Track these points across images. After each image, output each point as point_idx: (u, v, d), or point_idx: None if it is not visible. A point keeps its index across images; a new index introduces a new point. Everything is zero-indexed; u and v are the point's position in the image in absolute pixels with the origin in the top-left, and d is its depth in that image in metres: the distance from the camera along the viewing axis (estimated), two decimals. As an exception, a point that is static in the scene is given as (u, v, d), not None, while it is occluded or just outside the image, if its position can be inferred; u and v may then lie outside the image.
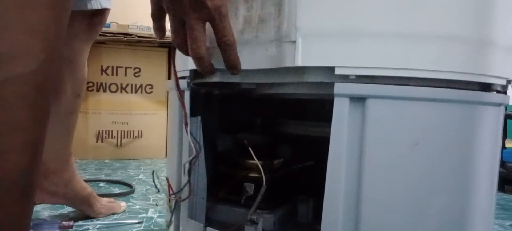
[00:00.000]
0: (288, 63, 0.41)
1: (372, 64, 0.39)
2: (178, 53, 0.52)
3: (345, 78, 0.40)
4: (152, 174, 1.06)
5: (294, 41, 0.40)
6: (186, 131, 0.48)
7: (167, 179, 0.54)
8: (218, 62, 0.45)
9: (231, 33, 0.42)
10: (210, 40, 0.44)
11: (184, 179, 0.50)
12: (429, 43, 0.39)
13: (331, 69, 0.40)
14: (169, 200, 0.53)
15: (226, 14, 0.41)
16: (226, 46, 0.42)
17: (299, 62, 0.40)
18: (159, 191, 1.02)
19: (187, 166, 0.49)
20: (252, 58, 0.44)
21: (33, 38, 0.35)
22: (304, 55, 0.40)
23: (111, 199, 0.97)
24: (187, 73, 0.51)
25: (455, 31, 0.40)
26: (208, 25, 0.42)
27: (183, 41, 0.43)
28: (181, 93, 0.50)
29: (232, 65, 0.44)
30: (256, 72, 0.45)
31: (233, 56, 0.43)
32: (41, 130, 0.38)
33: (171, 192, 0.52)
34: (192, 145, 0.48)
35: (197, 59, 0.43)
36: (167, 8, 0.42)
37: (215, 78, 0.48)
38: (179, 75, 0.52)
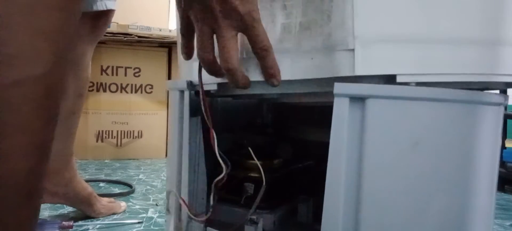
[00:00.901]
0: (344, 73, 0.39)
1: (431, 71, 0.38)
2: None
3: (404, 84, 0.39)
4: (167, 195, 1.06)
5: (351, 50, 0.39)
6: (214, 147, 0.45)
7: (183, 199, 0.50)
8: (252, 74, 0.43)
9: (267, 38, 0.40)
10: (241, 51, 0.42)
11: (212, 200, 0.47)
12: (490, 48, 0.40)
13: (392, 77, 0.39)
14: (182, 218, 0.51)
15: (259, 18, 0.39)
16: (262, 51, 0.40)
17: (359, 71, 0.38)
18: (157, 205, 1.02)
19: (216, 184, 0.46)
20: (294, 68, 0.42)
21: (42, 40, 0.35)
22: (364, 63, 0.38)
23: (111, 199, 0.97)
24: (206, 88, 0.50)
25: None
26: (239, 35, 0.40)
27: (211, 55, 0.41)
28: (207, 106, 0.46)
29: (272, 74, 0.41)
30: (293, 82, 0.42)
31: (271, 63, 0.41)
32: (49, 132, 0.38)
33: (191, 213, 0.49)
34: (222, 163, 0.45)
35: (230, 71, 0.40)
36: (195, 19, 0.40)
37: (251, 91, 0.45)
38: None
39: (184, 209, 0.49)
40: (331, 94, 0.43)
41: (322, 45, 0.40)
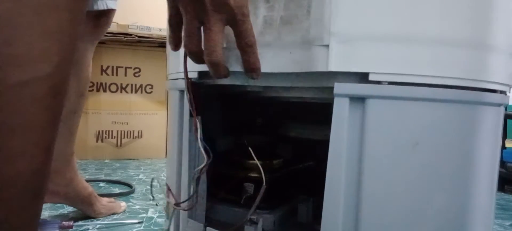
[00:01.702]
0: (319, 68, 0.39)
1: (406, 71, 0.38)
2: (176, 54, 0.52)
3: (377, 84, 0.39)
4: (151, 182, 1.05)
5: (327, 46, 0.39)
6: (196, 136, 0.45)
7: (167, 185, 0.52)
8: (232, 65, 0.43)
9: (253, 34, 0.41)
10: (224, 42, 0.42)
11: (192, 189, 0.47)
12: (466, 50, 0.40)
13: (365, 75, 0.39)
14: (168, 206, 0.52)
15: (248, 14, 0.40)
16: (247, 47, 0.41)
17: (332, 67, 0.39)
18: (154, 199, 1.02)
19: (196, 175, 0.46)
20: (274, 61, 0.42)
21: (49, 41, 0.35)
22: (338, 60, 0.39)
23: (111, 199, 0.97)
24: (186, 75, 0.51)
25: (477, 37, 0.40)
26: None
27: (197, 46, 0.41)
28: (193, 97, 0.47)
29: (252, 68, 0.42)
30: (274, 75, 0.43)
31: (254, 59, 0.41)
32: (54, 132, 0.38)
33: (173, 200, 0.50)
34: (203, 152, 0.45)
35: (213, 64, 0.41)
36: (185, 10, 0.40)
37: (227, 81, 0.46)
38: (182, 76, 0.51)
39: (171, 200, 0.50)
40: (314, 91, 0.44)
41: (301, 40, 0.41)
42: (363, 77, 0.39)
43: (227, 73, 0.43)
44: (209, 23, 0.39)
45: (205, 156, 0.45)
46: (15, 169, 0.35)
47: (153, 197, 1.06)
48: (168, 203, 0.51)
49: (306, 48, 0.40)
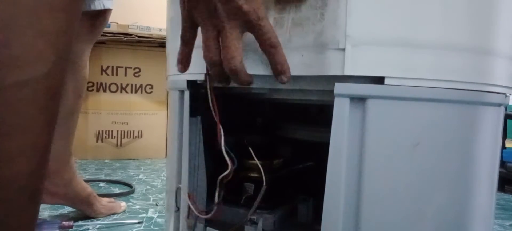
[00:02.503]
0: (332, 72, 0.39)
1: (421, 76, 0.38)
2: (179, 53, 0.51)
3: (377, 84, 0.39)
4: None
5: (342, 49, 0.38)
6: (220, 143, 0.44)
7: (189, 195, 0.50)
8: (251, 68, 0.42)
9: (274, 34, 0.39)
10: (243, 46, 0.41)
11: (217, 196, 0.47)
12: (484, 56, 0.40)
13: (380, 79, 0.39)
14: (190, 214, 0.50)
15: (264, 16, 0.38)
16: (270, 48, 0.39)
17: (348, 71, 0.38)
18: (157, 205, 1.02)
19: (221, 181, 0.45)
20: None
21: (45, 41, 0.35)
22: (353, 64, 0.38)
23: (111, 199, 0.97)
24: (191, 77, 0.50)
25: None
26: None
27: (216, 55, 0.40)
28: (214, 101, 0.45)
29: (280, 71, 0.40)
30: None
31: (280, 59, 0.40)
32: (51, 132, 0.38)
33: (196, 208, 0.48)
34: (228, 159, 0.44)
35: (233, 71, 0.39)
36: (200, 20, 0.39)
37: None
38: (187, 77, 0.51)
39: (191, 207, 0.49)
40: (320, 93, 0.43)
41: (313, 43, 0.40)
42: (377, 81, 0.39)
43: (250, 80, 0.42)
44: (225, 31, 0.38)
45: (229, 162, 0.44)
46: (12, 170, 0.35)
47: (157, 204, 1.06)
48: (189, 212, 0.50)
49: (318, 51, 0.40)
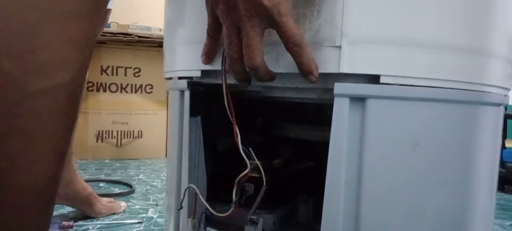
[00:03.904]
0: (329, 70, 0.39)
1: (417, 75, 0.38)
2: (185, 52, 0.51)
3: (377, 84, 0.39)
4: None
5: (338, 47, 0.38)
6: (237, 143, 0.43)
7: (196, 194, 0.49)
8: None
9: (298, 32, 0.37)
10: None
11: (234, 196, 0.46)
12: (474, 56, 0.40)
13: (376, 77, 0.38)
14: (194, 217, 0.50)
15: (286, 12, 0.37)
16: (294, 47, 0.37)
17: (344, 69, 0.38)
18: (157, 205, 1.02)
19: (239, 182, 0.45)
20: (279, 61, 0.41)
21: (70, 49, 0.35)
22: (349, 61, 0.38)
23: (111, 199, 0.97)
24: (187, 74, 0.51)
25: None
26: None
27: (238, 53, 0.39)
28: (230, 101, 0.44)
29: (307, 71, 0.38)
30: (279, 75, 0.42)
31: (306, 59, 0.38)
32: (69, 139, 0.38)
33: (209, 208, 0.47)
34: (246, 159, 0.44)
35: (253, 69, 0.39)
36: (222, 17, 0.39)
37: (229, 81, 0.44)
38: (182, 74, 0.52)
39: (208, 207, 0.48)
40: (316, 91, 0.43)
41: (309, 40, 0.40)
42: (373, 79, 0.39)
43: (271, 77, 0.41)
44: (245, 29, 0.37)
45: (248, 162, 0.44)
46: (33, 175, 0.35)
47: (157, 204, 1.06)
48: (195, 212, 0.49)
49: (315, 49, 0.40)
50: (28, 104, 0.34)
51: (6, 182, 0.34)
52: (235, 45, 0.39)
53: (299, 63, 0.38)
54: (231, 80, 0.46)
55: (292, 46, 0.37)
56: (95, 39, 0.38)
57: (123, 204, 0.97)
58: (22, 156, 0.34)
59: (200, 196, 0.48)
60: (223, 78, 0.44)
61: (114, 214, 0.93)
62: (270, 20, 0.37)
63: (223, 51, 0.43)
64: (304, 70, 0.39)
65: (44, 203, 0.37)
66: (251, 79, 0.42)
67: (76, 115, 0.39)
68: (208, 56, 0.44)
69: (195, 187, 0.49)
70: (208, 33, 0.42)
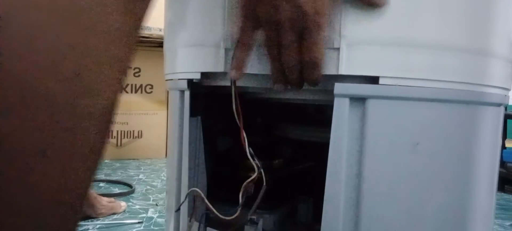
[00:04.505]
0: (328, 71, 0.39)
1: (418, 76, 0.39)
2: (185, 54, 0.51)
3: (377, 84, 0.39)
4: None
5: (337, 48, 0.39)
6: (245, 147, 0.43)
7: (197, 196, 0.49)
8: (250, 67, 0.42)
9: (322, 50, 0.37)
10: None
11: (240, 200, 0.46)
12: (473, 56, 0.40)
13: (375, 78, 0.39)
14: (191, 219, 0.50)
15: (323, 27, 0.36)
16: (312, 64, 0.38)
17: (343, 70, 0.38)
18: (157, 205, 1.02)
19: (246, 187, 0.45)
20: None
21: (114, 69, 0.34)
22: (348, 63, 0.38)
23: (112, 199, 0.97)
24: (187, 76, 0.50)
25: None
26: None
27: (277, 52, 0.39)
28: (238, 105, 0.44)
29: (312, 82, 0.39)
30: None
31: (316, 75, 0.38)
32: (102, 156, 0.37)
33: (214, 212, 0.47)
34: (253, 163, 0.44)
35: (289, 69, 0.39)
36: (261, 16, 0.38)
37: (228, 82, 0.44)
38: (182, 76, 0.51)
39: (214, 211, 0.48)
40: (316, 92, 0.43)
41: None
42: (372, 80, 0.39)
43: (302, 84, 0.41)
44: (282, 31, 0.37)
45: (255, 166, 0.44)
46: (72, 196, 0.35)
47: (157, 204, 1.06)
48: (193, 214, 0.49)
49: None
50: (78, 125, 0.33)
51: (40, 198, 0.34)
52: (295, 51, 0.38)
53: (307, 79, 0.39)
54: (229, 82, 0.45)
55: (310, 62, 0.38)
56: (132, 59, 0.38)
57: (123, 204, 0.97)
58: (59, 176, 0.34)
59: (206, 200, 0.48)
60: (232, 82, 0.44)
61: (114, 214, 0.93)
62: (304, 28, 0.36)
63: (232, 55, 0.43)
64: (309, 81, 0.39)
65: (74, 216, 0.37)
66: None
67: (109, 135, 0.38)
68: (240, 70, 0.42)
69: (199, 191, 0.49)
70: (241, 43, 0.40)
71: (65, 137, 0.33)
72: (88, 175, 0.36)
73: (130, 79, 1.72)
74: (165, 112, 1.77)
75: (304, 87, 0.41)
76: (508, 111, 1.38)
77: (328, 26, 0.38)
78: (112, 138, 1.70)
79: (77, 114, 0.33)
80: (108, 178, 1.30)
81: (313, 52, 0.37)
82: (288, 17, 0.36)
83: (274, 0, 0.36)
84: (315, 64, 0.38)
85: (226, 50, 0.44)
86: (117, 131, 1.71)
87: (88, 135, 0.34)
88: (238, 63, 0.41)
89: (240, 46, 0.41)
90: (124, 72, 0.35)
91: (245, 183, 0.45)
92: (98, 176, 1.33)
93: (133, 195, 1.12)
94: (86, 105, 0.33)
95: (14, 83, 0.30)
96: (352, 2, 0.38)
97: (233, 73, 0.41)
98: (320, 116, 0.69)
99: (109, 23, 0.33)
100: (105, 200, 0.93)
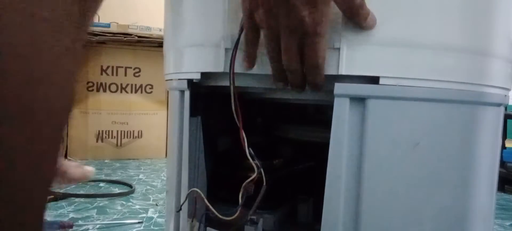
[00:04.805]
0: (329, 71, 0.39)
1: (418, 76, 0.39)
2: (185, 55, 0.51)
3: (377, 84, 0.39)
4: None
5: (337, 49, 0.39)
6: (244, 147, 0.44)
7: (197, 197, 0.49)
8: (236, 67, 0.42)
9: (322, 55, 0.37)
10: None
11: (240, 201, 0.46)
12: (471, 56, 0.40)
13: (375, 78, 0.39)
14: (193, 220, 0.50)
15: (323, 34, 0.36)
16: (313, 68, 0.38)
17: (344, 70, 0.38)
18: (157, 205, 1.02)
19: (246, 187, 0.45)
20: None
21: (70, 58, 0.34)
22: (348, 63, 0.38)
23: (77, 164, 0.94)
24: (187, 76, 0.50)
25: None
26: None
27: (277, 54, 0.39)
28: (237, 105, 0.44)
29: (314, 87, 0.40)
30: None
31: (319, 80, 0.39)
32: (56, 164, 0.37)
33: (214, 212, 0.46)
34: (254, 165, 0.44)
35: (290, 72, 0.39)
36: (261, 21, 0.38)
37: (228, 82, 0.44)
38: (182, 76, 0.51)
39: (214, 211, 0.48)
40: (316, 92, 0.42)
41: None
42: (372, 80, 0.39)
43: (304, 87, 0.41)
44: (283, 36, 0.37)
45: (255, 166, 0.44)
46: (26, 202, 0.34)
47: (157, 204, 1.06)
48: (194, 214, 0.49)
49: None
50: (24, 120, 0.32)
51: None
52: (295, 54, 0.38)
53: (310, 82, 0.39)
54: (228, 82, 0.45)
55: (311, 67, 0.38)
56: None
57: (90, 168, 0.93)
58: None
59: (206, 201, 0.48)
60: (231, 82, 0.44)
61: (85, 179, 0.90)
62: (304, 34, 0.36)
63: (231, 55, 0.43)
64: (311, 86, 0.40)
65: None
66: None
67: (62, 136, 0.38)
68: (250, 63, 0.42)
69: (199, 191, 0.49)
70: (246, 40, 0.41)
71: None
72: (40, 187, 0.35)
73: (130, 79, 1.73)
74: (165, 112, 1.77)
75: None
76: (508, 111, 1.38)
77: (329, 32, 0.37)
78: (112, 138, 1.70)
79: (23, 102, 0.31)
80: (108, 178, 1.30)
81: (314, 56, 0.37)
82: (287, 26, 0.36)
83: (273, 8, 0.36)
84: (317, 68, 0.38)
85: (226, 50, 0.44)
86: (117, 131, 1.71)
87: (43, 138, 0.33)
88: (247, 57, 0.42)
89: (246, 43, 0.41)
90: (77, 64, 0.34)
91: (245, 183, 0.45)
92: (98, 176, 1.33)
93: (133, 195, 1.12)
94: (35, 94, 0.32)
95: None
96: (346, 19, 0.38)
97: (244, 65, 0.42)
98: (320, 116, 0.69)
99: (56, 11, 0.31)
100: (72, 164, 0.90)
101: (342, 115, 0.39)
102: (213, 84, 0.49)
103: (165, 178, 1.32)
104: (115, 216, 0.92)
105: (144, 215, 0.94)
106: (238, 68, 0.43)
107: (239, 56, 0.42)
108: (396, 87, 0.39)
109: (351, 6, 0.36)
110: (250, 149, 0.44)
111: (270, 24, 0.37)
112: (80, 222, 0.86)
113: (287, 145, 0.67)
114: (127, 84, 1.72)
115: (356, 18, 0.37)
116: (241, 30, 0.42)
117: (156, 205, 1.03)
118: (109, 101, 1.70)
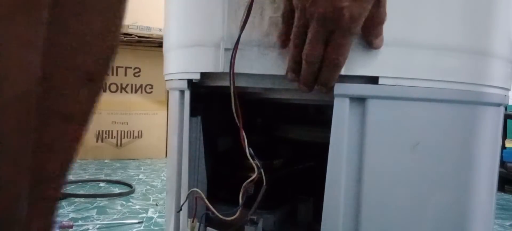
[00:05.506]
0: None
1: (418, 76, 0.39)
2: (185, 55, 0.51)
3: (377, 84, 0.39)
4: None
5: None
6: (244, 147, 0.44)
7: (197, 197, 0.49)
8: (236, 67, 0.43)
9: (345, 55, 0.37)
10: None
11: (240, 201, 0.46)
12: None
13: (374, 78, 0.39)
14: (194, 220, 0.50)
15: (354, 33, 0.36)
16: (333, 66, 0.37)
17: (343, 70, 0.38)
18: (157, 205, 1.02)
19: (246, 188, 0.45)
20: (278, 63, 0.41)
21: (32, 52, 0.32)
22: (348, 64, 0.38)
23: None
24: (187, 76, 0.50)
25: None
26: None
27: (301, 41, 0.38)
28: (237, 105, 0.44)
29: (324, 83, 0.39)
30: (278, 78, 0.42)
31: (333, 79, 0.39)
32: (30, 156, 0.35)
33: (215, 212, 0.46)
34: (254, 165, 0.44)
35: (308, 63, 0.38)
36: (296, 5, 0.37)
37: (227, 82, 0.44)
38: (182, 77, 0.51)
39: (215, 212, 0.48)
40: (315, 92, 0.42)
41: None
42: (371, 80, 0.39)
43: (312, 87, 0.40)
44: (313, 26, 0.36)
45: (255, 166, 0.44)
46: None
47: (157, 204, 1.06)
48: (195, 214, 0.49)
49: None
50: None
51: None
52: (319, 46, 0.37)
53: (324, 78, 0.39)
54: (228, 82, 0.45)
55: (331, 65, 0.37)
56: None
57: None
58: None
59: (206, 201, 0.48)
60: (231, 82, 0.44)
61: None
62: (336, 29, 0.35)
63: (231, 55, 0.43)
64: (322, 82, 0.39)
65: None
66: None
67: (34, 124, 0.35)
68: (283, 40, 0.41)
69: (200, 191, 0.49)
70: (282, 17, 0.40)
71: None
72: (13, 181, 0.34)
73: (130, 79, 1.73)
74: (165, 112, 1.77)
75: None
76: (508, 111, 1.38)
77: (358, 33, 0.37)
78: (112, 138, 1.70)
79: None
80: (108, 178, 1.30)
81: (338, 54, 0.37)
82: (323, 13, 0.35)
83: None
84: (337, 66, 0.37)
85: (226, 50, 0.44)
86: (117, 131, 1.71)
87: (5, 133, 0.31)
88: (280, 35, 0.41)
89: (282, 20, 0.40)
90: (36, 54, 0.31)
91: (245, 183, 0.45)
92: (98, 176, 1.33)
93: (133, 195, 1.12)
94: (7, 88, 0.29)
95: None
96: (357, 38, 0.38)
97: (278, 41, 0.41)
98: (320, 116, 0.69)
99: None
100: None
101: (342, 115, 0.39)
102: (213, 84, 0.49)
103: (165, 178, 1.32)
104: (115, 216, 0.92)
105: (144, 215, 0.94)
106: (238, 68, 0.43)
107: (239, 55, 0.42)
108: (395, 87, 0.39)
109: (381, 21, 0.37)
110: (250, 149, 0.44)
111: (305, 6, 0.36)
112: (80, 222, 0.86)
113: (287, 145, 0.67)
114: (127, 84, 1.72)
115: (374, 33, 0.37)
116: (241, 30, 0.42)
117: (156, 205, 1.02)
118: (109, 101, 1.70)
